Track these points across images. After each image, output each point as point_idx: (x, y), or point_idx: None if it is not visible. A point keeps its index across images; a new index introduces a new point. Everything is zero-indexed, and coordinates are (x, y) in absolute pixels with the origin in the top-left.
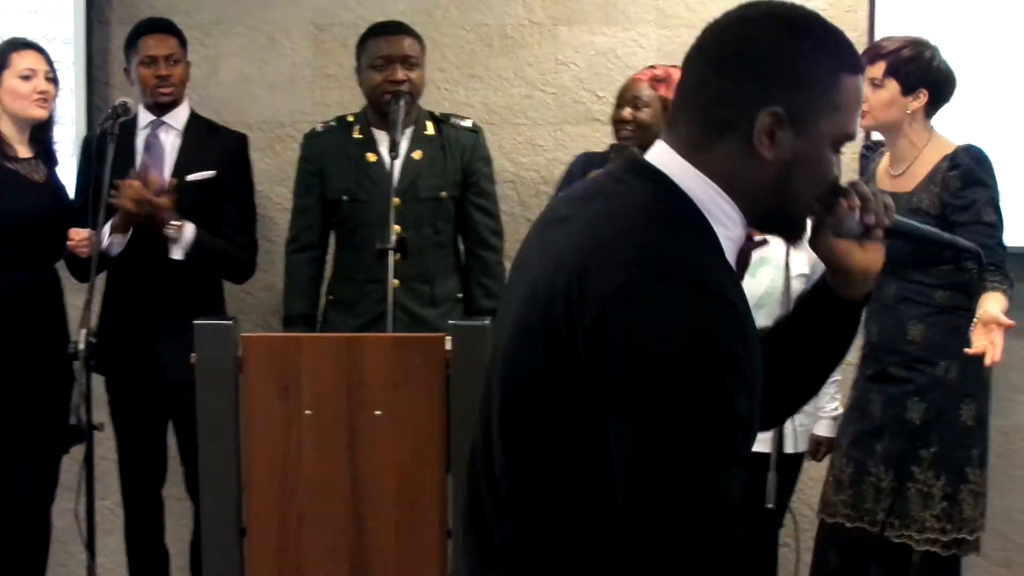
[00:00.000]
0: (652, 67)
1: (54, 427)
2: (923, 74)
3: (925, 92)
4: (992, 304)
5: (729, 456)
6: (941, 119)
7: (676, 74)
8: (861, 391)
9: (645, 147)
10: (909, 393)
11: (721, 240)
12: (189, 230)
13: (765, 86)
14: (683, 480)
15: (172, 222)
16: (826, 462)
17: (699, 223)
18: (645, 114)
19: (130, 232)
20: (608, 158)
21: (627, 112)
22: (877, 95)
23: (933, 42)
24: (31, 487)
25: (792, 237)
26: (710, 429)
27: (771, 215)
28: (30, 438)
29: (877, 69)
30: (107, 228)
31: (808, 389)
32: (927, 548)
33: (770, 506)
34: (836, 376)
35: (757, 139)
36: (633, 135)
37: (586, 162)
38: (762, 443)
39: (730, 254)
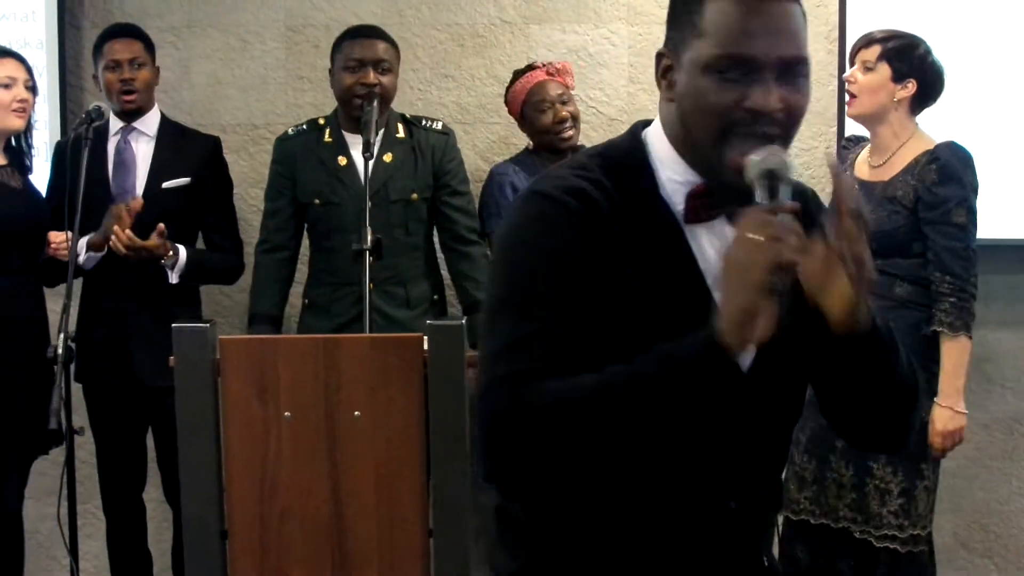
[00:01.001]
0: (531, 66)
1: (33, 431)
2: (915, 64)
3: (914, 83)
4: (937, 410)
5: (516, 337)
6: (924, 116)
7: (563, 63)
8: None
9: (575, 138)
10: None
11: (666, 182)
12: (182, 255)
13: (666, 33)
14: (482, 353)
15: (168, 253)
16: None
17: (636, 164)
18: (573, 108)
19: (106, 248)
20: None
21: (563, 111)
22: (868, 78)
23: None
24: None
25: (722, 181)
26: (508, 310)
27: (700, 160)
28: (10, 444)
29: (871, 52)
30: (83, 243)
31: (891, 406)
32: (886, 545)
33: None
34: None
35: (659, 84)
36: (575, 130)
37: (525, 171)
38: None
39: (677, 195)
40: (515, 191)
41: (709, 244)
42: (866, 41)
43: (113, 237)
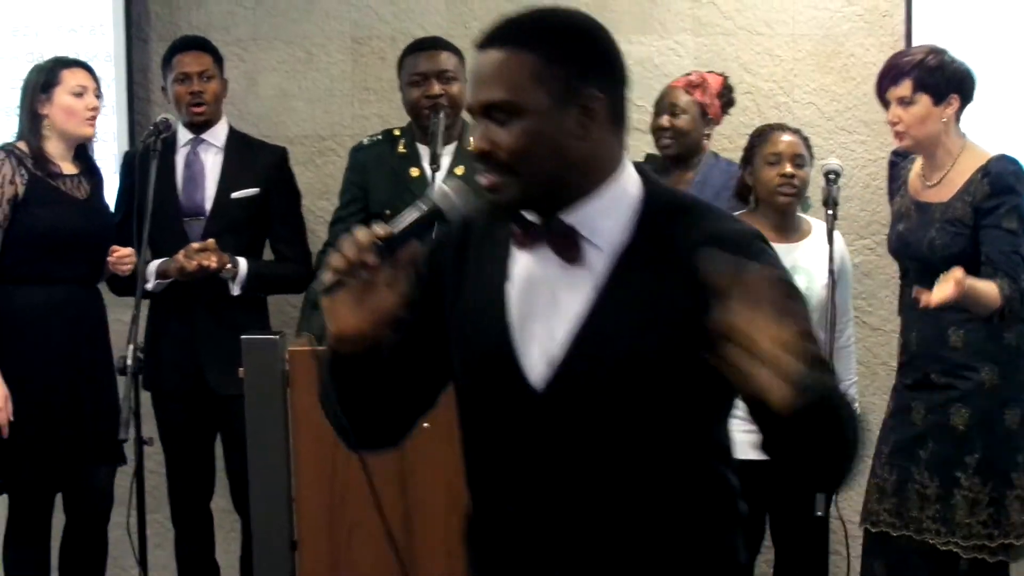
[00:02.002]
0: (688, 74)
1: (103, 442)
2: (950, 79)
3: (956, 97)
4: (973, 280)
5: None
6: (974, 125)
7: (712, 80)
8: (900, 399)
9: (683, 154)
10: (952, 399)
11: None
12: (242, 267)
13: None
14: None
15: (227, 266)
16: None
17: None
18: (683, 121)
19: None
20: (654, 169)
21: (665, 120)
22: (910, 112)
23: (968, 46)
24: (88, 503)
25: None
26: None
27: None
28: (80, 452)
29: (904, 88)
30: (152, 268)
31: (829, 464)
32: (974, 555)
33: (819, 514)
34: (854, 378)
35: None
36: (672, 142)
37: None
38: None
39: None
40: None
41: (523, 268)
42: (892, 78)
43: (182, 265)
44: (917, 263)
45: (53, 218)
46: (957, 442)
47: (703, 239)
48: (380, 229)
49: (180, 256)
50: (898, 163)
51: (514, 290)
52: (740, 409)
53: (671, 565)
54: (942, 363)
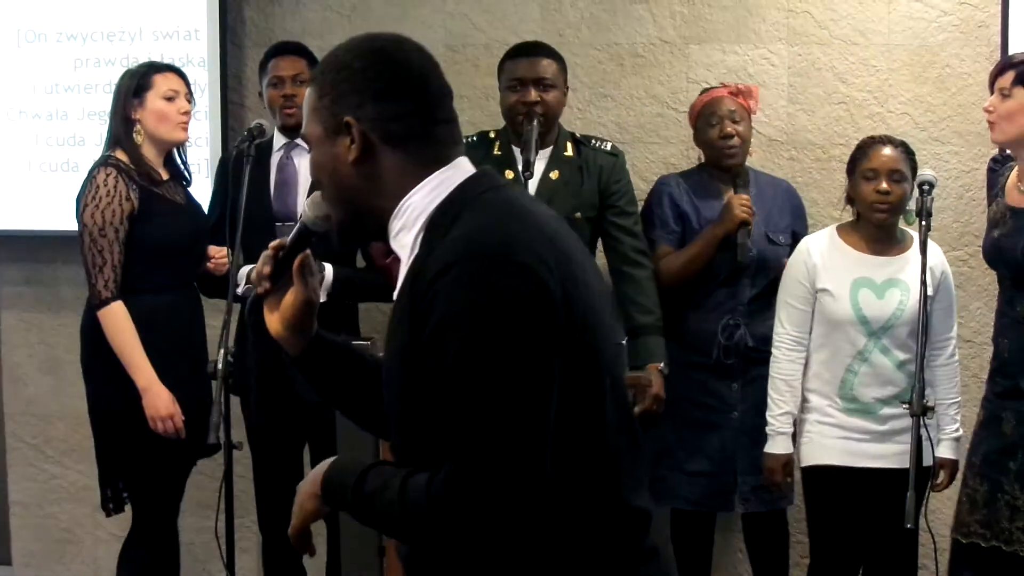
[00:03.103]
0: (723, 84)
1: (192, 445)
2: None
3: None
4: None
5: None
6: None
7: (753, 88)
8: (992, 409)
9: (742, 161)
10: None
11: None
12: (328, 273)
13: None
14: None
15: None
16: (958, 481)
17: None
18: (744, 127)
19: None
20: (737, 180)
21: (729, 127)
22: (1005, 105)
23: None
24: (169, 502)
25: None
26: None
27: None
28: (170, 456)
29: (1006, 79)
30: (243, 273)
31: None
32: None
33: (909, 526)
34: (957, 397)
35: None
36: (739, 151)
37: (692, 187)
38: (892, 459)
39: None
40: (673, 203)
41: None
42: (1000, 67)
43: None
44: (1011, 270)
45: (165, 228)
46: None
47: (430, 263)
48: (275, 241)
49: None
50: (996, 170)
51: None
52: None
53: None
54: None
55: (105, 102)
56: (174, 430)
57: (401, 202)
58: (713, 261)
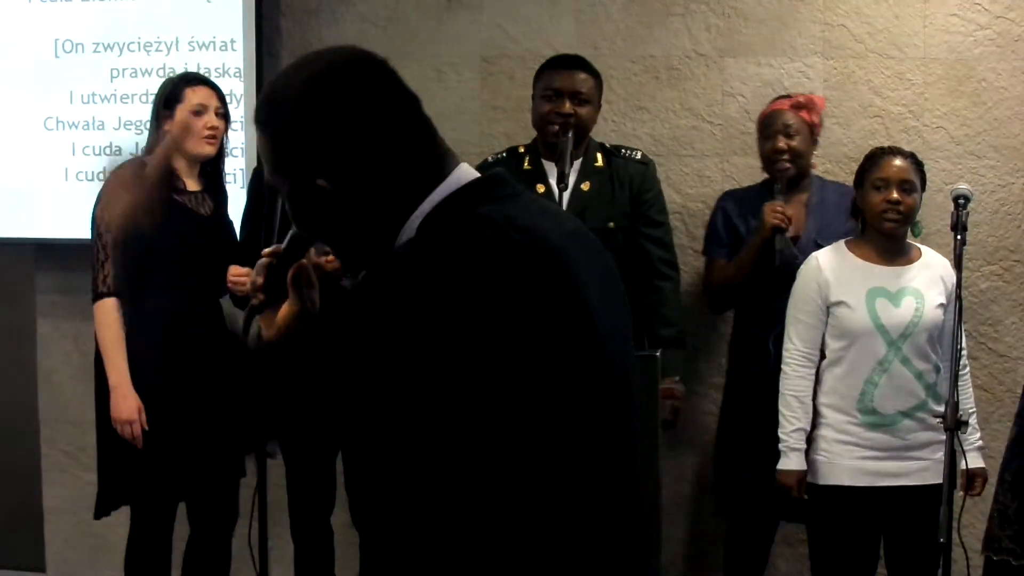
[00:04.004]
0: (787, 95)
1: (229, 455)
2: None
3: None
4: None
5: None
6: None
7: (816, 98)
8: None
9: (799, 176)
10: None
11: None
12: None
13: None
14: None
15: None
16: (988, 494)
17: None
18: (797, 142)
19: None
20: (775, 189)
21: (782, 142)
22: None
23: None
24: (214, 514)
25: None
26: None
27: None
28: (203, 464)
29: None
30: None
31: None
32: None
33: (942, 540)
34: (973, 407)
35: None
36: (791, 163)
37: (741, 200)
38: (913, 476)
39: None
40: (726, 216)
41: None
42: None
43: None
44: None
45: (169, 233)
46: None
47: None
48: (269, 248)
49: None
50: None
51: None
52: (847, 433)
53: None
54: None
55: (141, 112)
56: (131, 436)
57: (397, 234)
58: (760, 269)
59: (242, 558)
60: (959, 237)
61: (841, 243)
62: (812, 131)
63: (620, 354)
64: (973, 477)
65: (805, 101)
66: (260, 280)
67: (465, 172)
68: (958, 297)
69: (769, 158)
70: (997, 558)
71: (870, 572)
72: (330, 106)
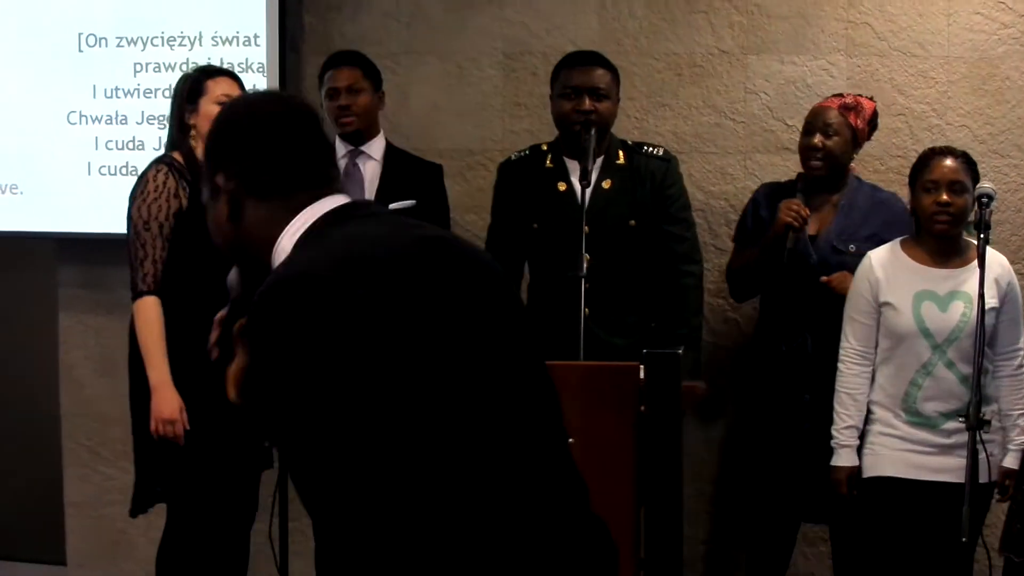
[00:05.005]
0: (840, 95)
1: (250, 449)
2: None
3: None
4: None
5: None
6: None
7: (866, 104)
8: None
9: (830, 176)
10: None
11: None
12: None
13: None
14: None
15: None
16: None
17: None
18: (834, 142)
19: None
20: (796, 187)
21: (817, 139)
22: None
23: None
24: (236, 507)
25: None
26: None
27: None
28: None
29: None
30: None
31: None
32: None
33: (964, 540)
34: (1022, 409)
35: None
36: (822, 163)
37: (770, 193)
38: (954, 473)
39: None
40: (756, 209)
41: None
42: None
43: None
44: None
45: (207, 231)
46: None
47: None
48: (219, 313)
49: None
50: None
51: None
52: (893, 428)
53: None
54: None
55: (164, 106)
56: (172, 435)
57: (274, 248)
58: (771, 265)
59: (263, 552)
60: (982, 235)
61: (896, 242)
62: (855, 134)
63: (485, 348)
64: (1006, 476)
65: (854, 103)
66: (214, 337)
67: (334, 200)
68: (980, 296)
69: (803, 153)
70: (1018, 560)
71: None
72: (239, 125)
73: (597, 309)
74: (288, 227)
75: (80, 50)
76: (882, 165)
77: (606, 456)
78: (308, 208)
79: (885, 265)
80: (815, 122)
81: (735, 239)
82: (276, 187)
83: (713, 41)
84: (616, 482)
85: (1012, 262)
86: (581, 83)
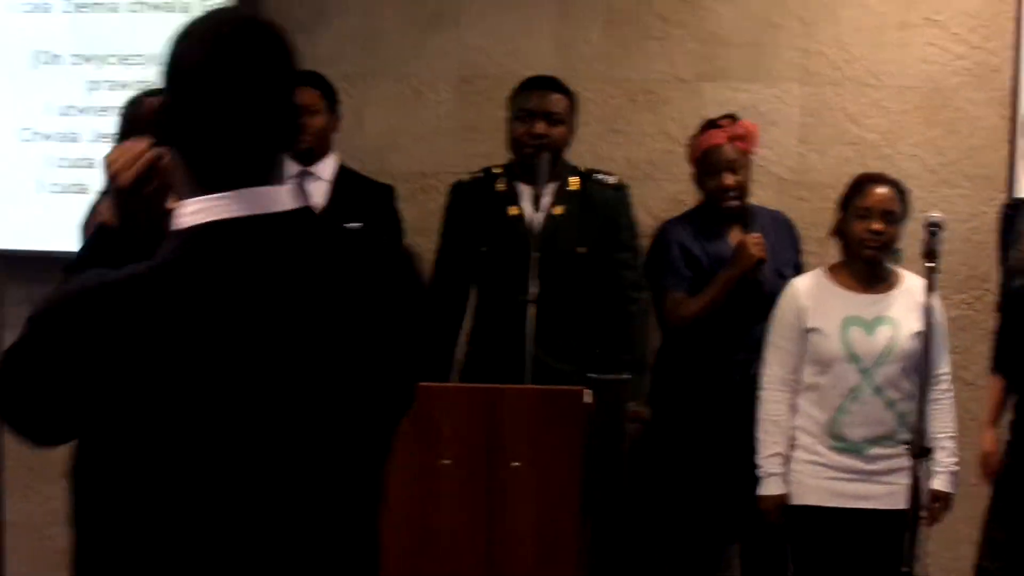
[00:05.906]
0: (715, 123)
1: None
2: None
3: None
4: None
5: None
6: None
7: (746, 125)
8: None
9: (742, 206)
10: None
11: None
12: None
13: None
14: None
15: None
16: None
17: None
18: (742, 175)
19: None
20: (712, 218)
21: (728, 179)
22: None
23: None
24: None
25: None
26: None
27: None
28: None
29: None
30: None
31: None
32: None
33: (905, 570)
34: (953, 432)
35: None
36: (738, 202)
37: (694, 231)
38: (878, 500)
39: None
40: (683, 248)
41: None
42: None
43: None
44: None
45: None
46: None
47: None
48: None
49: None
50: (1013, 215)
51: None
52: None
53: None
54: None
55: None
56: None
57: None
58: (731, 301)
59: None
60: (931, 264)
61: (820, 269)
62: (749, 160)
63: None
64: (935, 499)
65: (742, 132)
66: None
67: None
68: (929, 324)
69: (715, 195)
70: None
71: None
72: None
73: (544, 334)
74: (191, 202)
75: (35, 67)
76: (834, 193)
77: (553, 479)
78: (219, 195)
79: (812, 292)
80: (716, 163)
81: (663, 284)
82: (195, 148)
83: (668, 68)
84: (562, 504)
85: (959, 291)
86: (536, 107)
